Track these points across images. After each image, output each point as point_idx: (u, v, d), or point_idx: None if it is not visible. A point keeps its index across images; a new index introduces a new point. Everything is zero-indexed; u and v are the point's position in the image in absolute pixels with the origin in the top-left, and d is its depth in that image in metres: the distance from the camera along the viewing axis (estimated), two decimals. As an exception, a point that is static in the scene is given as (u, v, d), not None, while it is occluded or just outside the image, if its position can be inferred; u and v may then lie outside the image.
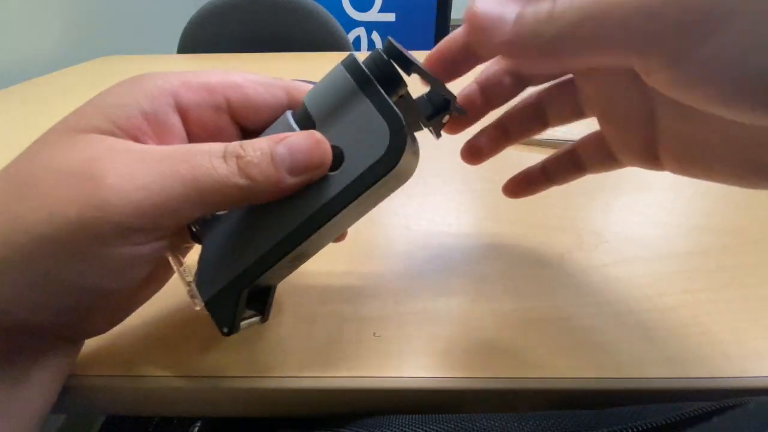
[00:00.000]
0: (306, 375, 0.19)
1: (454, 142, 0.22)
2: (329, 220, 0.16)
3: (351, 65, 0.16)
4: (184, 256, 0.18)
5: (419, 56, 0.17)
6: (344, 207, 0.16)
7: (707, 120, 0.15)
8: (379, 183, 0.16)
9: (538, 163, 0.24)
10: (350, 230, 0.29)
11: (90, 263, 0.14)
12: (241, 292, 0.17)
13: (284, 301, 0.23)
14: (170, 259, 0.17)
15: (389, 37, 0.16)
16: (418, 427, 0.17)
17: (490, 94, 0.21)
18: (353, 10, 1.66)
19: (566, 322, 0.21)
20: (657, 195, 0.32)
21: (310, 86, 0.18)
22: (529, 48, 0.13)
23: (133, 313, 0.19)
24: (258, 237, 0.17)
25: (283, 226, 0.17)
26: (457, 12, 1.68)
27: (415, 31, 1.68)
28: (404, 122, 0.16)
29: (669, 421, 0.15)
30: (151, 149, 0.15)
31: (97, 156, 0.14)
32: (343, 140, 0.16)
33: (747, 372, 0.19)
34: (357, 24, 1.68)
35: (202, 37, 0.92)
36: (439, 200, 0.33)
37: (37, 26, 0.91)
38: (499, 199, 0.25)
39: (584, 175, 0.23)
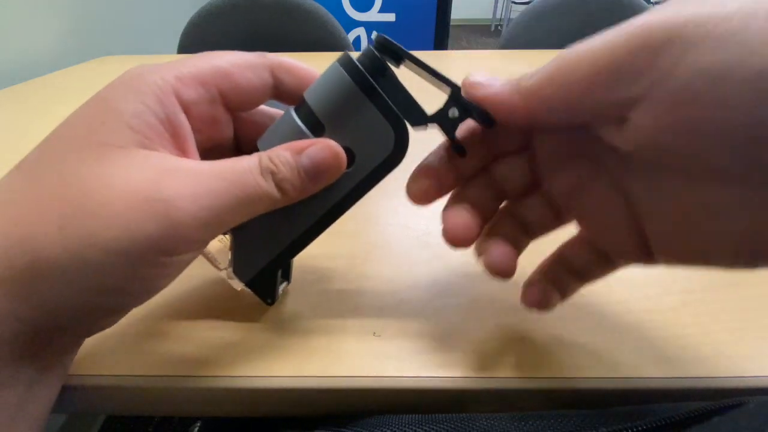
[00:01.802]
0: (306, 375, 0.19)
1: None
2: (347, 209, 0.19)
3: (350, 68, 0.17)
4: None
5: (420, 56, 0.18)
6: (359, 198, 0.19)
7: (689, 193, 0.15)
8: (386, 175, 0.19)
9: (536, 274, 0.21)
10: (350, 230, 0.29)
11: (156, 270, 0.16)
12: (277, 271, 0.21)
13: (284, 300, 0.23)
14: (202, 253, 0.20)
15: (376, 33, 0.18)
16: (418, 427, 0.17)
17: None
18: (353, 10, 1.66)
19: (566, 321, 0.21)
20: (657, 195, 0.32)
21: (292, 62, 0.19)
22: (514, 98, 0.16)
23: (134, 313, 0.19)
24: (287, 227, 0.20)
25: (309, 217, 0.19)
26: (456, 12, 1.68)
27: (415, 31, 1.69)
28: (405, 122, 0.18)
29: (669, 421, 0.15)
30: (199, 168, 0.16)
31: (158, 179, 0.15)
32: (352, 141, 0.18)
33: (747, 372, 0.19)
34: (357, 24, 1.68)
35: (202, 37, 0.92)
36: (439, 200, 0.32)
37: (37, 26, 0.91)
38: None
39: (587, 284, 0.20)
